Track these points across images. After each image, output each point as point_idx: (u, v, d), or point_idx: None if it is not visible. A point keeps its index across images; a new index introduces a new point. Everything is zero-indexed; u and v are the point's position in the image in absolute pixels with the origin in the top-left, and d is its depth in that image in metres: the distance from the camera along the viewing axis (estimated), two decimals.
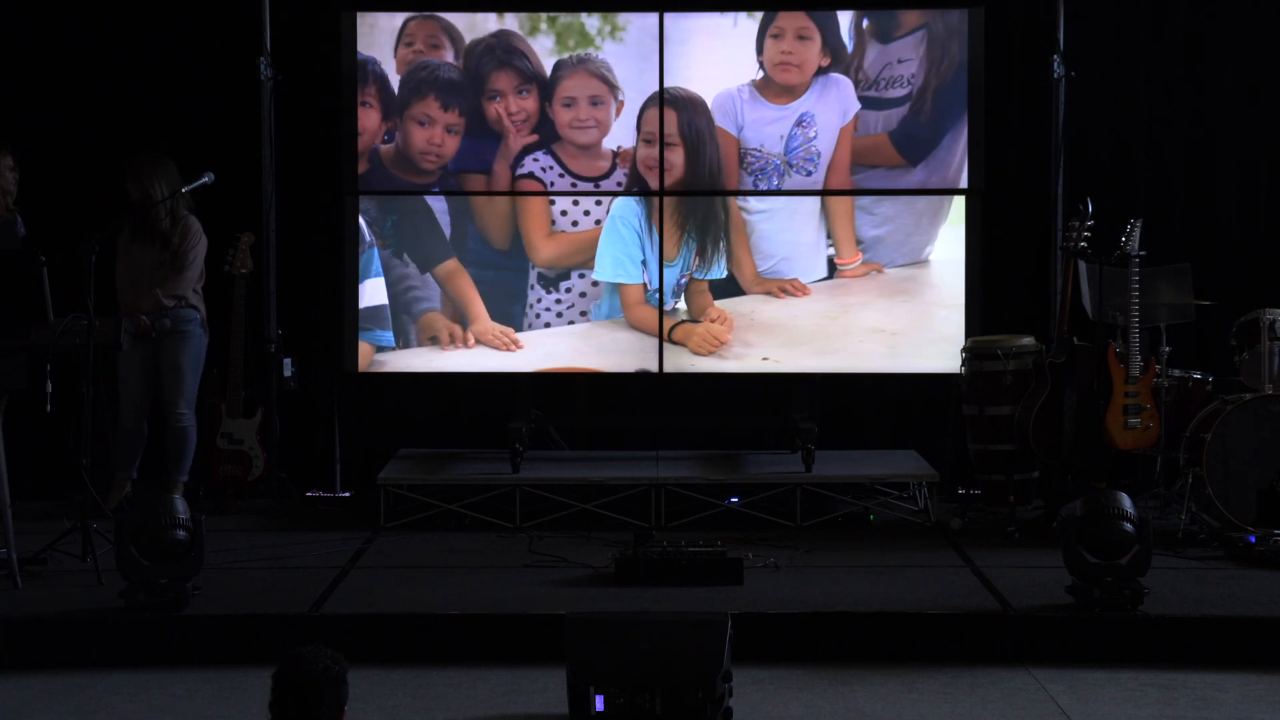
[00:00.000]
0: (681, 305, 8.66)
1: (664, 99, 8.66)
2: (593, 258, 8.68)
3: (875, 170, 8.62)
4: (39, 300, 7.81)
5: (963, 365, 8.32)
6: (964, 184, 8.59)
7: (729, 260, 8.65)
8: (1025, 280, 8.93)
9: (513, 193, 8.70)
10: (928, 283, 8.65)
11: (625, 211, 8.65)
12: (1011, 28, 8.90)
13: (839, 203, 8.62)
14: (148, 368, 8.07)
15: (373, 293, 8.70)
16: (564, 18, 8.63)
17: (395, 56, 8.66)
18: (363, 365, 8.69)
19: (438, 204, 8.68)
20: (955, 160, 8.58)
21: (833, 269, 8.64)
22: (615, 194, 8.69)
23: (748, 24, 8.61)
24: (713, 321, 8.62)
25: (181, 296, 8.03)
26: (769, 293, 8.64)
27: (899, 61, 8.59)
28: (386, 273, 8.69)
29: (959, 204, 8.60)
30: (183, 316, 8.04)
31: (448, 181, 8.69)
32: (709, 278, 8.66)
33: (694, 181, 8.63)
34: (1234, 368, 7.82)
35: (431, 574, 7.16)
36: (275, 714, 4.11)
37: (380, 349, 8.67)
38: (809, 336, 8.62)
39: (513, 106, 8.64)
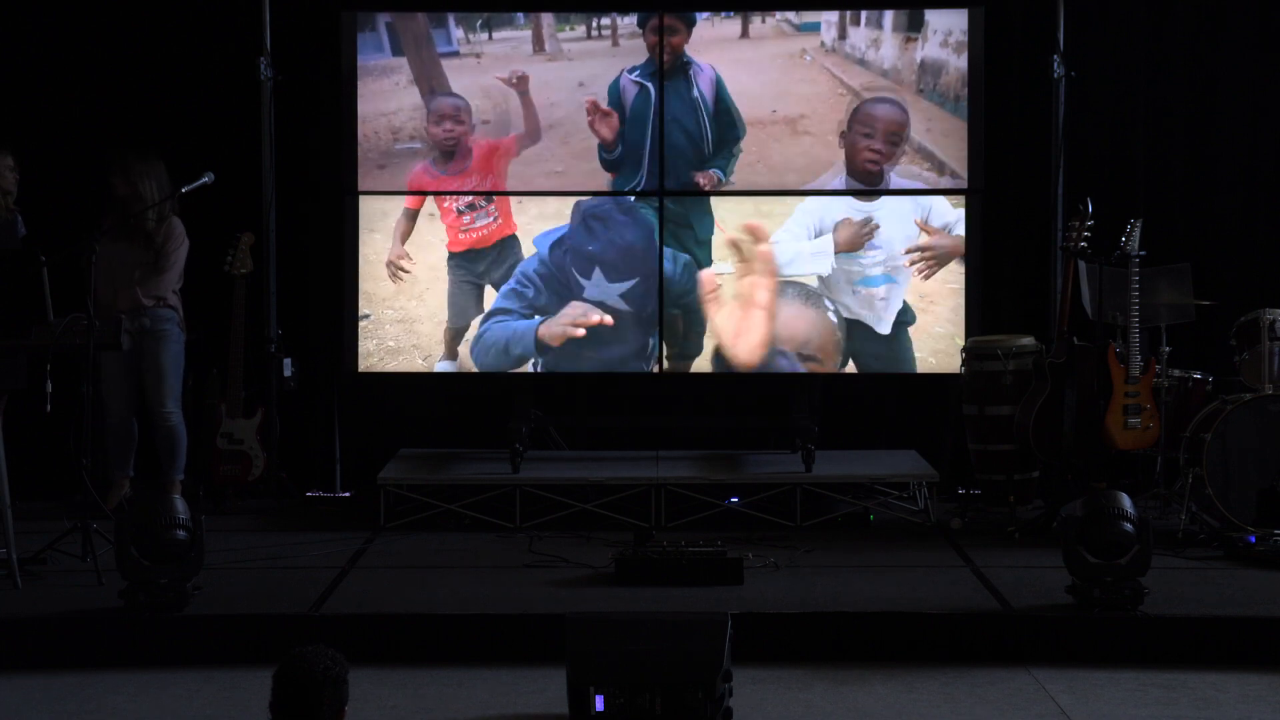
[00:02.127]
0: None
1: (664, 97, 8.68)
2: None
3: None
4: (39, 300, 7.84)
5: (963, 365, 8.32)
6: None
7: None
8: (1025, 280, 8.93)
9: (507, 192, 8.71)
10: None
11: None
12: (1011, 28, 8.90)
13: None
14: (130, 367, 8.04)
15: None
16: None
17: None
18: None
19: None
20: None
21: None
22: (615, 194, 8.70)
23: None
24: None
25: (161, 297, 8.00)
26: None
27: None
28: None
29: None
30: (161, 316, 8.01)
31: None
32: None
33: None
34: (1234, 368, 7.82)
35: (431, 574, 7.16)
36: (275, 714, 4.10)
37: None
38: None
39: None
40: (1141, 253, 7.76)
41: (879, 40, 8.69)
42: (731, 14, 8.70)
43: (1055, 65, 8.69)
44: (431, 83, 8.74)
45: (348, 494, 9.00)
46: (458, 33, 8.77)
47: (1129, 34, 8.94)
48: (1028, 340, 8.25)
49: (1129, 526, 6.36)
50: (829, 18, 8.70)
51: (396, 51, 8.77)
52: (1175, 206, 8.94)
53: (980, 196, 8.68)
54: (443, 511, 8.19)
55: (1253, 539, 7.33)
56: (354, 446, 9.07)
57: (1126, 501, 6.41)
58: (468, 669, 6.19)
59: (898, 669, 6.19)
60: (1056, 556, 6.53)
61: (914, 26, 8.67)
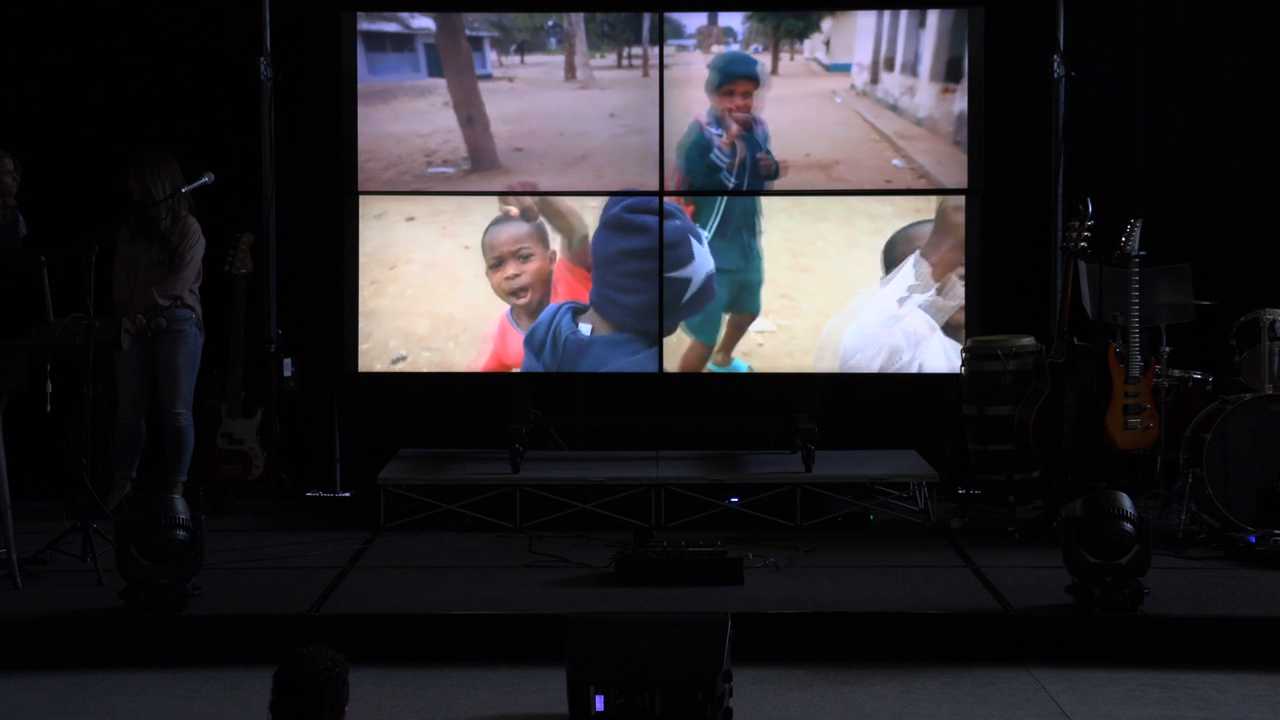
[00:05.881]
0: None
1: (664, 99, 8.68)
2: None
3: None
4: (39, 300, 7.83)
5: (963, 365, 8.32)
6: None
7: None
8: (1025, 280, 8.93)
9: (511, 193, 8.71)
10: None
11: None
12: (1011, 28, 8.90)
13: None
14: (144, 367, 8.07)
15: None
16: None
17: None
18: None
19: None
20: None
21: None
22: (616, 194, 8.70)
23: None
24: None
25: (177, 296, 8.02)
26: None
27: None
28: None
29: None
30: (178, 316, 8.03)
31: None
32: None
33: None
34: (1234, 368, 7.82)
35: (431, 574, 7.16)
36: (275, 714, 4.10)
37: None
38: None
39: None
40: (1141, 253, 7.76)
41: (914, 87, 8.65)
42: (760, 48, 8.68)
43: (1055, 65, 8.69)
44: (470, 110, 8.72)
45: (348, 494, 9.01)
46: (492, 55, 8.75)
47: (1129, 34, 8.94)
48: (1028, 340, 8.25)
49: (1129, 526, 6.36)
50: (861, 59, 8.66)
51: (434, 72, 8.75)
52: (1175, 206, 8.94)
53: (980, 196, 8.68)
54: (443, 511, 8.19)
55: (1253, 539, 7.33)
56: (354, 446, 9.06)
57: (1126, 501, 6.41)
58: (468, 669, 6.19)
59: (898, 669, 6.20)
60: (1056, 556, 6.53)
61: (952, 77, 8.65)
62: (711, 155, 8.65)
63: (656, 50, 8.70)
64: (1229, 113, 8.93)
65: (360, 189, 8.70)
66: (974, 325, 8.62)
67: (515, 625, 6.37)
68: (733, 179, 8.65)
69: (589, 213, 8.69)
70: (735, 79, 8.67)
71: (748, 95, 8.67)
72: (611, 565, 6.96)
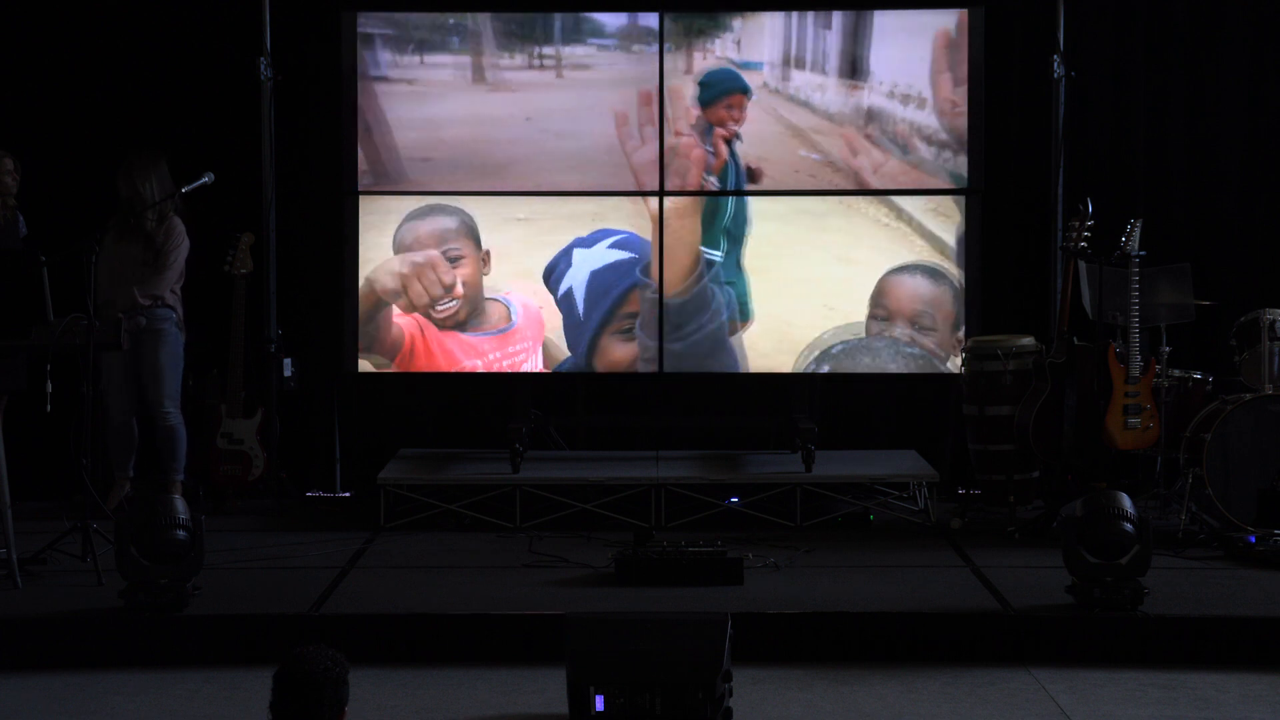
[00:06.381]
0: None
1: (664, 99, 8.68)
2: None
3: None
4: (39, 300, 7.83)
5: (963, 365, 8.32)
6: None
7: None
8: (1025, 280, 8.93)
9: (515, 193, 8.70)
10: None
11: None
12: (1011, 28, 8.90)
13: None
14: (129, 367, 8.05)
15: None
16: None
17: None
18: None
19: None
20: None
21: None
22: (615, 194, 8.70)
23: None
24: None
25: (158, 296, 8.01)
26: None
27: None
28: None
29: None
30: (158, 316, 8.01)
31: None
32: None
33: None
34: (1234, 368, 7.82)
35: (431, 574, 7.16)
36: (275, 714, 4.10)
37: None
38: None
39: None
40: (1141, 253, 7.76)
41: (824, 85, 8.65)
42: (671, 48, 8.66)
43: (1055, 65, 8.69)
44: (367, 116, 8.63)
45: (348, 494, 9.01)
46: (385, 55, 8.53)
47: (1129, 34, 8.94)
48: (1028, 340, 8.25)
49: (1129, 526, 6.36)
50: (771, 58, 8.66)
51: None
52: (1175, 206, 8.94)
53: (980, 196, 8.68)
54: (443, 511, 8.19)
55: (1253, 539, 7.33)
56: (354, 446, 9.06)
57: (1126, 501, 6.41)
58: (468, 669, 6.19)
59: (898, 669, 6.20)
60: (1056, 556, 6.53)
61: (858, 75, 8.66)
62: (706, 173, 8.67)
63: (569, 50, 8.59)
64: (1229, 113, 8.93)
65: None
66: (974, 325, 8.62)
67: (515, 625, 6.37)
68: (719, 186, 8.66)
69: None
70: (731, 93, 8.65)
71: (742, 109, 8.65)
72: (611, 565, 6.96)
